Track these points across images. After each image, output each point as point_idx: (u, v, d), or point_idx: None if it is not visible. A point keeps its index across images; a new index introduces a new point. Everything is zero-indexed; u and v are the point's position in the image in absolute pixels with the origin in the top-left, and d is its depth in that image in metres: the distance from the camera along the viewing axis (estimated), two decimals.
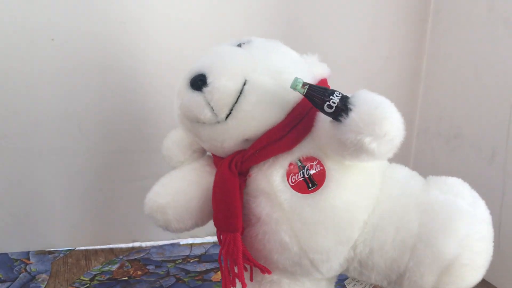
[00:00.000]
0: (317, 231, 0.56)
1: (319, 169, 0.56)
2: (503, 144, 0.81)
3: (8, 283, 0.79)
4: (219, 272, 0.85)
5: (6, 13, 0.79)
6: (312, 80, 0.59)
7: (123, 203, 0.92)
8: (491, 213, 0.82)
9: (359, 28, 0.97)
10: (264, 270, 0.59)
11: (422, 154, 1.01)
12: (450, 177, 0.65)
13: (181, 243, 0.95)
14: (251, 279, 0.61)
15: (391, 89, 1.02)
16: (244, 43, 0.61)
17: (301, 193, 0.56)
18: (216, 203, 0.58)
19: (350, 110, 0.50)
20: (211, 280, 0.82)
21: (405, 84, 1.02)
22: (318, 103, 0.52)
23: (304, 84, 0.53)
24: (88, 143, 0.88)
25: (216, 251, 0.91)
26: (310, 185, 0.55)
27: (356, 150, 0.51)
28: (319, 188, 0.55)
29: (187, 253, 0.91)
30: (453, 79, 0.93)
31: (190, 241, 0.95)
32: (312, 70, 0.61)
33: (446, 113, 0.95)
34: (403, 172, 0.64)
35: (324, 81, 0.61)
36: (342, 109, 0.51)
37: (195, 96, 0.56)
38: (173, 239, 0.95)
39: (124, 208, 0.92)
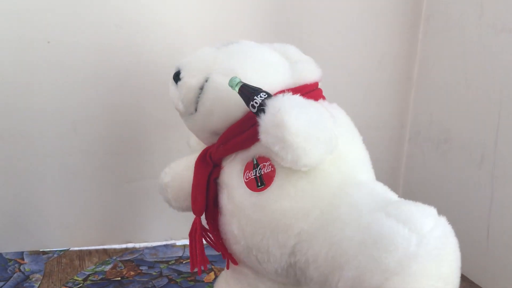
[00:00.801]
0: (258, 230, 0.57)
1: (269, 170, 0.57)
2: (491, 149, 0.83)
3: (2, 283, 0.80)
4: (211, 273, 0.86)
5: (3, 16, 0.80)
6: (295, 84, 0.61)
7: (118, 204, 0.93)
8: (480, 216, 0.84)
9: (351, 33, 0.98)
10: (228, 257, 0.65)
11: (414, 158, 1.02)
12: (415, 204, 0.53)
13: (177, 243, 0.96)
14: (227, 267, 0.69)
15: (384, 93, 1.03)
16: (230, 44, 0.65)
17: (251, 190, 0.57)
18: (191, 189, 0.64)
19: (264, 111, 0.52)
20: (203, 281, 0.83)
21: (397, 88, 1.03)
22: (246, 101, 0.55)
23: (239, 83, 0.56)
24: (83, 144, 0.88)
25: (210, 252, 0.92)
26: (259, 184, 0.57)
27: (270, 152, 0.53)
28: (265, 188, 0.57)
29: (180, 254, 0.92)
30: (443, 84, 0.94)
31: (183, 242, 0.96)
32: (296, 75, 0.62)
33: (436, 117, 0.96)
34: (365, 190, 0.57)
35: (311, 86, 0.63)
36: (260, 110, 0.53)
37: (174, 89, 0.65)
38: (166, 240, 0.96)
39: (118, 209, 0.93)
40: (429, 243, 0.48)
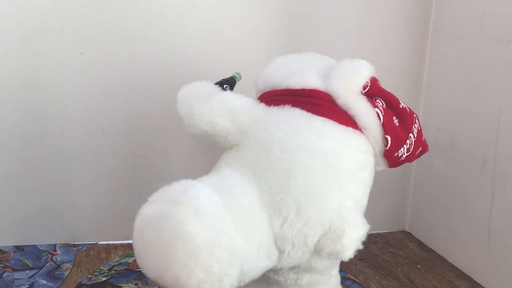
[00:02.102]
0: None
1: None
2: (492, 153, 0.87)
3: (36, 270, 0.88)
4: None
5: (41, 32, 0.89)
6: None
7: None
8: (482, 217, 0.88)
9: (364, 45, 1.03)
10: None
11: (422, 162, 1.07)
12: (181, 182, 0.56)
13: None
14: None
15: None
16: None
17: None
18: None
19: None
20: None
21: (408, 98, 1.07)
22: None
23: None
24: (110, 147, 0.97)
25: None
26: None
27: None
28: None
29: None
30: (449, 94, 0.99)
31: None
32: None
33: (443, 125, 1.00)
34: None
35: (292, 91, 0.67)
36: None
37: None
38: None
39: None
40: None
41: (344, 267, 0.94)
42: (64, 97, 0.93)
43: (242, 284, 0.57)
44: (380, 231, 1.12)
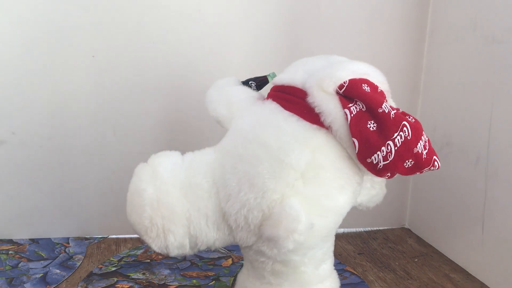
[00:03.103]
0: None
1: None
2: (485, 150, 0.90)
3: (50, 261, 0.93)
4: (229, 259, 0.96)
5: (49, 33, 0.94)
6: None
7: None
8: (476, 212, 0.91)
9: (362, 46, 1.07)
10: None
11: None
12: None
13: None
14: None
15: (394, 102, 1.12)
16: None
17: None
18: None
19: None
20: (221, 265, 0.94)
21: (406, 98, 1.11)
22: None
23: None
24: (120, 145, 1.01)
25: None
26: None
27: None
28: None
29: None
30: (445, 94, 1.02)
31: None
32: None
33: (439, 124, 1.04)
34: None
35: (276, 87, 0.72)
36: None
37: None
38: None
39: None
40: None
41: (344, 260, 0.98)
42: (76, 98, 0.98)
43: (202, 248, 0.70)
44: (380, 228, 1.15)
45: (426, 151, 0.63)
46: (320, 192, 0.65)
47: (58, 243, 1.00)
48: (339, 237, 1.09)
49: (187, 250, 0.69)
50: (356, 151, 0.62)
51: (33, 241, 1.01)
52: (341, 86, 0.63)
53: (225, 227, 0.68)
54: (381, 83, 0.67)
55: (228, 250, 1.00)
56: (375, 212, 1.14)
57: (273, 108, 0.67)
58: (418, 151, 0.62)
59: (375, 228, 1.15)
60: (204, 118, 1.03)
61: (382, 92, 0.66)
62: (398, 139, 0.61)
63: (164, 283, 0.86)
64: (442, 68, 1.03)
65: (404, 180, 1.15)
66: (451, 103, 1.00)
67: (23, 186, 1.00)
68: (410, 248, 1.05)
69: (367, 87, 0.64)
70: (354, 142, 0.62)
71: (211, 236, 0.69)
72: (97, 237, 1.04)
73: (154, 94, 1.01)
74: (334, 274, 0.77)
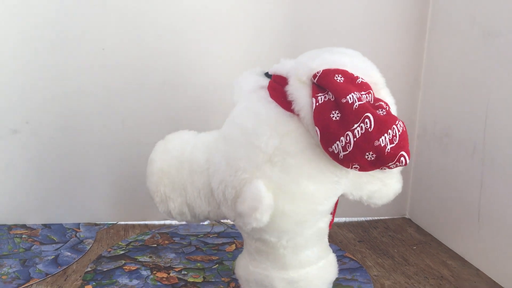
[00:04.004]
0: None
1: None
2: (481, 141, 0.93)
3: (61, 244, 0.97)
4: (233, 245, 1.00)
5: (61, 26, 0.99)
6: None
7: None
8: (472, 200, 0.94)
9: (364, 42, 1.10)
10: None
11: (421, 152, 1.13)
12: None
13: (205, 223, 1.11)
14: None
15: (395, 96, 1.14)
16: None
17: None
18: None
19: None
20: (225, 250, 0.97)
21: (407, 92, 1.14)
22: None
23: None
24: (128, 136, 1.05)
25: (233, 230, 1.07)
26: None
27: None
28: None
29: (209, 230, 1.07)
30: (445, 88, 1.04)
31: (212, 221, 1.11)
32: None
33: (439, 116, 1.06)
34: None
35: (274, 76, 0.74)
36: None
37: None
38: None
39: None
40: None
41: (344, 247, 1.01)
42: (86, 90, 1.02)
43: (201, 218, 0.79)
44: (381, 217, 1.18)
45: (392, 145, 0.60)
46: (286, 177, 0.67)
47: (69, 228, 1.05)
48: (340, 226, 1.12)
49: (188, 218, 0.78)
50: (319, 140, 0.63)
51: (46, 226, 1.05)
52: (314, 76, 0.65)
53: (214, 201, 0.75)
54: (368, 75, 0.66)
55: (232, 236, 1.04)
56: None
57: (261, 96, 0.71)
58: (380, 144, 0.60)
59: (376, 218, 1.18)
60: (209, 110, 1.07)
61: (362, 84, 0.65)
62: (358, 130, 0.60)
63: (170, 265, 0.90)
64: (442, 63, 1.06)
65: (405, 171, 1.17)
66: (450, 96, 1.03)
67: (36, 174, 1.04)
68: (409, 236, 1.08)
69: (340, 77, 0.64)
70: (316, 130, 0.63)
71: (205, 208, 0.76)
72: (106, 223, 1.08)
73: (162, 86, 1.05)
74: (324, 263, 0.78)
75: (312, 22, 1.07)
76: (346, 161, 0.62)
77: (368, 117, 0.60)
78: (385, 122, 0.60)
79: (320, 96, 0.64)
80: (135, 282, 0.84)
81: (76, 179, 1.07)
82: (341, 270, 0.89)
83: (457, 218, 1.00)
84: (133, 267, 0.89)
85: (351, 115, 0.61)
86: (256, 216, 0.66)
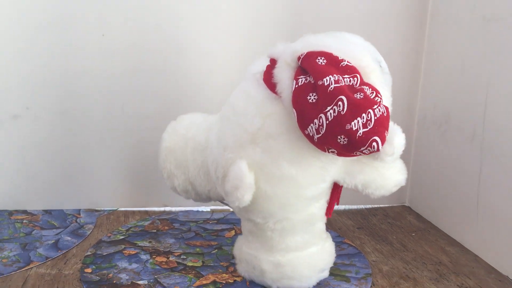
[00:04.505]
0: None
1: None
2: (480, 127, 0.93)
3: (62, 229, 0.98)
4: (232, 231, 1.00)
5: (61, 11, 0.98)
6: None
7: (157, 173, 1.09)
8: (471, 186, 0.94)
9: (365, 29, 1.10)
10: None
11: (421, 138, 1.13)
12: None
13: (204, 210, 1.11)
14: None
15: (396, 83, 1.14)
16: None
17: None
18: None
19: None
20: (224, 236, 0.98)
21: (408, 79, 1.14)
22: None
23: None
24: (128, 122, 1.05)
25: (233, 217, 1.07)
26: None
27: None
28: None
29: (208, 217, 1.07)
30: (445, 74, 1.04)
31: (212, 208, 1.12)
32: None
33: (439, 102, 1.06)
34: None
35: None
36: None
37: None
38: (197, 206, 1.12)
39: (158, 177, 1.08)
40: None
41: (343, 234, 1.01)
42: (86, 76, 1.02)
43: (204, 197, 0.83)
44: (381, 205, 1.18)
45: (365, 130, 0.58)
46: (267, 159, 0.68)
47: (70, 214, 1.05)
48: (340, 213, 1.13)
49: (193, 196, 0.84)
50: (297, 122, 0.63)
51: (46, 212, 1.06)
52: (299, 58, 0.65)
53: (212, 180, 0.76)
54: (356, 59, 0.65)
55: (231, 222, 1.04)
56: None
57: (256, 78, 0.71)
58: (351, 128, 0.58)
59: (375, 206, 1.18)
60: (208, 95, 1.07)
61: (347, 67, 0.63)
62: (330, 113, 0.59)
63: (169, 250, 0.91)
64: (442, 49, 1.06)
65: (404, 159, 1.17)
66: (450, 82, 1.03)
67: (37, 159, 1.05)
68: (408, 224, 1.08)
69: (322, 60, 0.63)
70: (294, 112, 0.63)
71: (205, 186, 0.78)
72: (107, 209, 1.09)
73: (161, 72, 1.05)
74: (317, 250, 0.78)
75: (312, 9, 1.06)
76: (321, 144, 0.62)
77: (342, 100, 0.58)
78: (360, 105, 0.58)
79: (301, 78, 0.63)
80: (134, 265, 0.84)
81: (76, 165, 1.07)
82: (339, 256, 0.90)
83: (456, 205, 1.00)
84: (132, 251, 0.90)
85: (326, 98, 0.59)
86: (237, 195, 0.68)
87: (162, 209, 1.11)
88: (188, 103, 1.07)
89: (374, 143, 0.59)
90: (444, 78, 1.05)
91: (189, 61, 1.05)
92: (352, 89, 0.60)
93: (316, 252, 0.77)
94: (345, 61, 0.63)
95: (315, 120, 0.60)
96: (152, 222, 1.03)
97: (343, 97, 0.59)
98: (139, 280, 0.80)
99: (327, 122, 0.59)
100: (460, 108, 0.99)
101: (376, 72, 0.66)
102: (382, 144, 0.59)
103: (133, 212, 1.09)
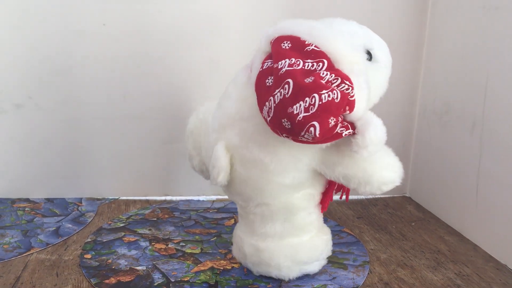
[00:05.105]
0: None
1: None
2: (480, 118, 0.92)
3: (63, 217, 0.99)
4: (232, 220, 1.01)
5: (65, 3, 0.99)
6: None
7: (159, 162, 1.10)
8: (470, 176, 0.94)
9: (366, 18, 1.08)
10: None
11: (422, 129, 1.13)
12: None
13: (205, 199, 1.12)
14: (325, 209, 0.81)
15: (398, 74, 1.14)
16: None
17: None
18: None
19: None
20: (224, 225, 0.99)
21: (408, 68, 1.13)
22: None
23: None
24: (130, 110, 1.06)
25: (233, 206, 1.08)
26: None
27: None
28: None
29: (209, 206, 1.08)
30: (445, 64, 1.04)
31: (213, 198, 1.12)
32: None
33: (439, 93, 1.06)
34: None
35: None
36: None
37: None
38: (198, 195, 1.13)
39: (159, 166, 1.10)
40: None
41: (342, 223, 1.02)
42: (88, 65, 1.03)
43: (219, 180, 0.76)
44: (381, 196, 1.18)
45: (306, 114, 0.56)
46: (240, 142, 0.69)
47: (71, 203, 1.06)
48: (339, 203, 1.13)
49: (207, 176, 0.85)
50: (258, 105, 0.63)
51: (48, 200, 1.07)
52: (270, 43, 0.65)
53: None
54: (325, 45, 0.62)
55: (231, 212, 1.05)
56: None
57: (247, 65, 0.73)
58: (292, 111, 0.56)
59: (376, 196, 1.18)
60: (210, 85, 1.07)
61: (312, 52, 0.62)
62: (277, 96, 0.58)
63: (169, 238, 0.91)
64: (443, 38, 1.05)
65: (405, 150, 1.17)
66: (451, 72, 1.02)
67: (39, 148, 1.06)
68: (408, 214, 1.08)
69: (288, 44, 0.63)
70: (256, 96, 0.64)
71: None
72: (108, 198, 1.10)
73: (162, 60, 1.05)
74: (297, 242, 0.76)
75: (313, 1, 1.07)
76: (273, 128, 0.61)
77: (288, 83, 0.58)
78: (304, 89, 0.57)
79: (267, 62, 0.63)
80: (133, 252, 0.85)
81: (78, 154, 1.08)
82: (338, 244, 0.91)
83: (456, 194, 1.00)
84: (132, 238, 0.91)
85: (277, 81, 0.59)
86: (214, 174, 0.71)
87: (163, 198, 1.12)
88: (191, 92, 1.07)
89: (312, 128, 0.56)
90: (445, 67, 1.04)
91: (192, 49, 1.05)
92: (306, 73, 0.59)
93: (297, 244, 0.76)
94: (312, 45, 0.62)
95: (267, 103, 0.59)
96: (152, 211, 1.04)
97: (290, 80, 0.58)
98: (138, 266, 0.81)
99: (274, 105, 0.58)
100: (460, 99, 0.99)
101: (350, 58, 0.62)
102: (321, 131, 0.56)
103: (134, 201, 1.10)
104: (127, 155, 1.09)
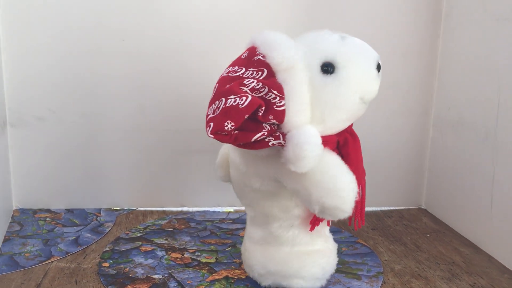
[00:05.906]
0: None
1: None
2: (493, 127, 0.93)
3: (82, 227, 1.02)
4: None
5: (83, 18, 1.03)
6: None
7: (175, 173, 1.12)
8: (485, 186, 0.94)
9: (378, 29, 1.10)
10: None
11: (436, 138, 1.13)
12: None
13: (220, 210, 1.13)
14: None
15: (410, 85, 1.15)
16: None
17: None
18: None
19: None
20: (239, 235, 1.00)
21: (423, 79, 1.14)
22: None
23: None
24: (148, 123, 1.08)
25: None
26: None
27: None
28: None
29: (224, 217, 1.10)
30: (459, 74, 1.05)
31: (228, 209, 1.14)
32: None
33: (453, 102, 1.07)
34: None
35: None
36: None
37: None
38: (214, 206, 1.14)
39: (176, 178, 1.12)
40: None
41: (357, 234, 1.02)
42: (107, 79, 1.06)
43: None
44: (397, 208, 1.18)
45: (211, 116, 0.59)
46: (232, 144, 0.70)
47: (90, 213, 1.09)
48: None
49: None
50: None
51: (69, 210, 1.10)
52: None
53: None
54: (272, 56, 0.63)
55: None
56: (391, 191, 1.18)
57: None
58: (207, 113, 0.61)
59: (391, 208, 1.18)
60: None
61: (257, 61, 0.63)
62: (218, 104, 0.61)
63: (184, 247, 0.93)
64: (456, 50, 1.06)
65: (420, 161, 1.17)
66: (464, 82, 1.03)
67: (60, 160, 1.09)
68: (424, 225, 1.08)
69: (246, 53, 0.66)
70: None
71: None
72: (126, 209, 1.12)
73: (180, 74, 1.08)
74: (272, 252, 0.75)
75: (326, 8, 1.08)
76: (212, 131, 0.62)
77: (215, 88, 0.63)
78: (219, 93, 0.60)
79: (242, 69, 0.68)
80: (150, 261, 0.87)
81: (97, 165, 1.11)
82: (352, 255, 0.91)
83: (471, 206, 1.00)
84: (149, 248, 0.92)
85: (215, 86, 0.65)
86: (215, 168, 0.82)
87: (179, 209, 1.14)
88: (207, 104, 1.09)
89: (207, 128, 0.59)
90: (459, 78, 1.05)
91: (208, 64, 1.07)
92: (231, 79, 0.62)
93: (270, 252, 0.75)
94: (260, 55, 0.63)
95: (209, 108, 0.63)
96: (169, 221, 1.06)
97: (216, 85, 0.63)
98: (154, 274, 0.82)
99: (213, 111, 0.61)
100: (473, 108, 0.99)
101: (284, 67, 0.62)
102: (212, 131, 0.58)
103: (151, 211, 1.12)
104: (145, 167, 1.12)
